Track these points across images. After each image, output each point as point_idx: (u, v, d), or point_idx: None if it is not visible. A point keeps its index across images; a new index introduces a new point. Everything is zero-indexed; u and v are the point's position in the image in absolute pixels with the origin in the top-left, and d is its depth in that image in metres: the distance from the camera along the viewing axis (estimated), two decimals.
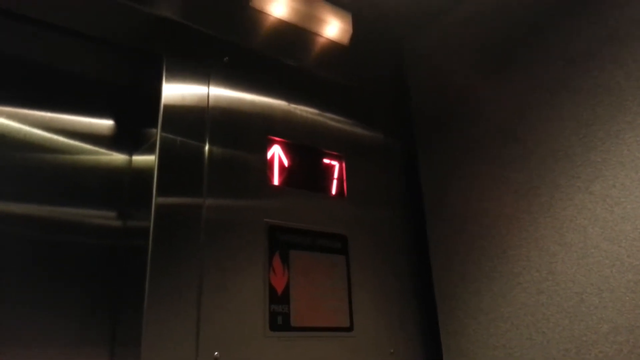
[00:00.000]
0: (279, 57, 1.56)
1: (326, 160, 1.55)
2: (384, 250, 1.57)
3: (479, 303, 1.44)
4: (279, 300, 1.28)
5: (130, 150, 1.39)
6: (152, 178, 1.18)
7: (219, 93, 1.37)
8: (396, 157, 1.77)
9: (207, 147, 1.29)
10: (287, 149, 1.47)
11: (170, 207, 1.18)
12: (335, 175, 1.55)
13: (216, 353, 1.13)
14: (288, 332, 1.27)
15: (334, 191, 1.53)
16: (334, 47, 1.72)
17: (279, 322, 1.26)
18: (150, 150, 1.24)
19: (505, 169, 1.44)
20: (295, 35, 1.63)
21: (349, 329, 1.39)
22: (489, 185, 1.48)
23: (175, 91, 1.28)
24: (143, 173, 1.28)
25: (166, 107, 1.25)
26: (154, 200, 1.16)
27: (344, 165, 1.58)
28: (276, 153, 1.44)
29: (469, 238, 1.51)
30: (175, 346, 1.08)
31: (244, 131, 1.39)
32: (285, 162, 1.45)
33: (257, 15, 1.55)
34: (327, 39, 1.71)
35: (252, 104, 1.43)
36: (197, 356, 1.10)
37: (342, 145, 1.60)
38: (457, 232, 1.55)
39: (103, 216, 1.31)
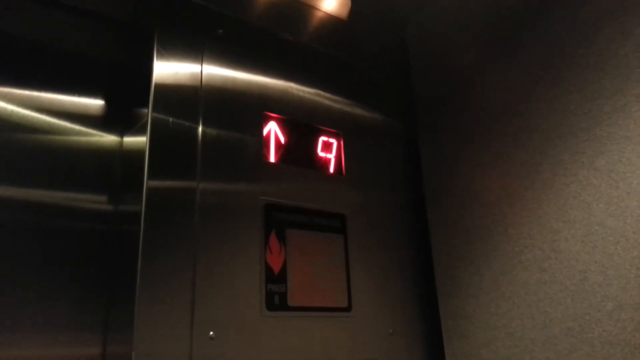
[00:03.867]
0: (274, 31, 1.51)
1: (324, 138, 1.51)
2: (383, 229, 1.55)
3: (480, 282, 1.42)
4: (275, 279, 1.27)
5: (121, 131, 1.36)
6: (144, 160, 1.16)
7: (213, 69, 1.33)
8: (397, 135, 1.73)
9: (200, 127, 1.26)
10: (283, 125, 1.44)
11: (163, 190, 1.16)
12: (333, 153, 1.52)
13: (211, 333, 1.13)
14: (285, 311, 1.26)
15: (332, 169, 1.50)
16: (332, 21, 1.67)
17: (276, 301, 1.25)
18: (141, 131, 1.22)
19: (507, 145, 1.41)
20: (292, 7, 1.58)
21: (348, 309, 1.38)
22: (491, 163, 1.45)
23: (167, 69, 1.25)
24: (134, 155, 1.26)
25: (157, 85, 1.22)
26: (146, 183, 1.14)
27: (342, 143, 1.54)
28: (272, 130, 1.41)
29: (469, 216, 1.48)
30: (169, 327, 1.08)
31: (238, 108, 1.35)
32: (282, 139, 1.42)
33: None
34: (325, 12, 1.66)
35: (247, 79, 1.39)
36: (191, 336, 1.10)
37: (340, 122, 1.56)
38: (457, 211, 1.52)
39: (93, 200, 1.29)
